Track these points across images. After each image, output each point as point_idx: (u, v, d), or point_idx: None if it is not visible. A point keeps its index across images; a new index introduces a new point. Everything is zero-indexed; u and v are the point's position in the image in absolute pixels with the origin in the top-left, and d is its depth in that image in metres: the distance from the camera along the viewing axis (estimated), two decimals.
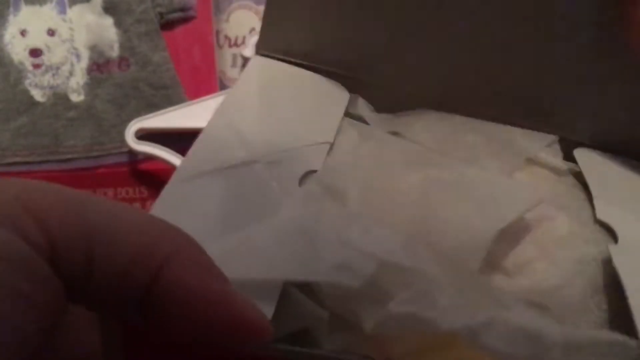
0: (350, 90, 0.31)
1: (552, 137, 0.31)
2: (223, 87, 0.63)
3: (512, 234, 0.24)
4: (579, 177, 0.30)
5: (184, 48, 0.62)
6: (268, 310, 0.17)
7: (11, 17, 0.58)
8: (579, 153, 0.31)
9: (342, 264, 0.19)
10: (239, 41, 0.65)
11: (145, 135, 0.59)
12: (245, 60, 0.64)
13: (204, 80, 0.62)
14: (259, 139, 0.25)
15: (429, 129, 0.30)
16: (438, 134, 0.29)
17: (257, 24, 0.65)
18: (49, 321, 0.14)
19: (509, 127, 0.31)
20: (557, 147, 0.31)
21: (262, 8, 0.65)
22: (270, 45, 0.31)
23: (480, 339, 0.18)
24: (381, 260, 0.20)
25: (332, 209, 0.22)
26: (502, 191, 0.25)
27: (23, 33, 0.58)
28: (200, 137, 0.25)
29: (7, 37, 0.58)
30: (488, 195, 0.24)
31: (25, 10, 0.58)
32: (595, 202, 0.28)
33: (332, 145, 0.27)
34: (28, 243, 0.14)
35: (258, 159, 0.24)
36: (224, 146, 0.24)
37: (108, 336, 0.17)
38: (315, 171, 0.25)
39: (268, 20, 0.31)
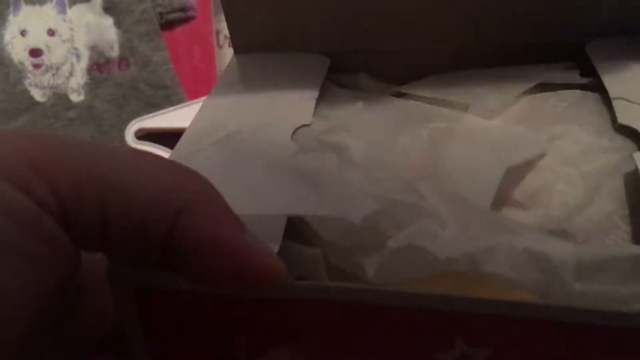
0: (351, 69, 0.30)
1: (569, 63, 0.28)
2: None
3: (522, 166, 0.22)
4: (601, 88, 0.26)
5: (184, 48, 0.62)
6: (274, 245, 0.17)
7: (11, 17, 0.58)
8: (592, 47, 0.27)
9: (343, 201, 0.19)
10: None
11: (145, 135, 0.59)
12: None
13: (204, 80, 0.62)
14: (245, 114, 0.25)
15: (432, 84, 0.28)
16: (441, 86, 0.28)
17: None
18: (59, 281, 0.14)
19: (521, 66, 0.28)
20: (576, 70, 0.28)
21: None
22: (244, 44, 0.30)
23: (481, 266, 0.17)
24: (383, 199, 0.19)
25: (332, 157, 0.22)
26: (510, 137, 0.23)
27: (23, 33, 0.58)
28: (186, 131, 0.24)
29: (7, 37, 0.58)
30: (496, 142, 0.23)
31: (26, 10, 0.58)
32: (614, 104, 0.24)
33: (320, 101, 0.26)
34: (35, 201, 0.13)
35: (246, 127, 0.23)
36: (212, 128, 0.24)
37: None
38: (306, 125, 0.24)
39: (232, 22, 0.30)
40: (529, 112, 0.25)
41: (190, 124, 0.24)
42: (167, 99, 0.60)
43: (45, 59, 0.58)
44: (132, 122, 0.58)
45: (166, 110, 0.59)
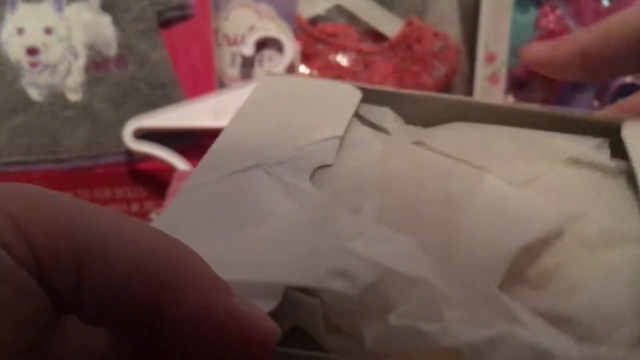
0: (382, 102, 0.30)
1: (600, 140, 0.27)
2: (222, 86, 0.63)
3: (537, 243, 0.22)
4: (631, 173, 0.25)
5: (182, 46, 0.61)
6: (269, 306, 0.17)
7: (8, 15, 0.58)
8: (628, 128, 0.27)
9: (341, 270, 0.19)
10: (238, 39, 0.64)
11: (144, 134, 0.59)
12: (245, 58, 0.64)
13: (202, 79, 0.62)
14: (267, 146, 0.25)
15: (456, 137, 0.28)
16: (465, 142, 0.27)
17: (256, 22, 0.64)
18: (35, 335, 0.14)
19: (551, 133, 0.28)
20: (606, 150, 0.27)
21: (261, 6, 0.64)
22: None
23: (484, 357, 0.17)
24: (386, 269, 0.19)
25: (343, 215, 0.22)
26: (529, 209, 0.23)
27: (20, 31, 0.58)
28: (207, 154, 0.24)
29: (4, 35, 0.58)
30: (514, 213, 0.23)
31: (22, 8, 0.58)
32: None
33: (342, 139, 0.26)
34: (13, 256, 0.14)
35: (264, 162, 0.23)
36: (231, 157, 0.24)
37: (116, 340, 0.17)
38: (327, 166, 0.24)
39: None
40: (551, 186, 0.25)
41: (213, 145, 0.25)
42: (165, 98, 0.60)
43: (42, 57, 0.58)
44: (129, 122, 0.58)
45: (164, 109, 0.58)
